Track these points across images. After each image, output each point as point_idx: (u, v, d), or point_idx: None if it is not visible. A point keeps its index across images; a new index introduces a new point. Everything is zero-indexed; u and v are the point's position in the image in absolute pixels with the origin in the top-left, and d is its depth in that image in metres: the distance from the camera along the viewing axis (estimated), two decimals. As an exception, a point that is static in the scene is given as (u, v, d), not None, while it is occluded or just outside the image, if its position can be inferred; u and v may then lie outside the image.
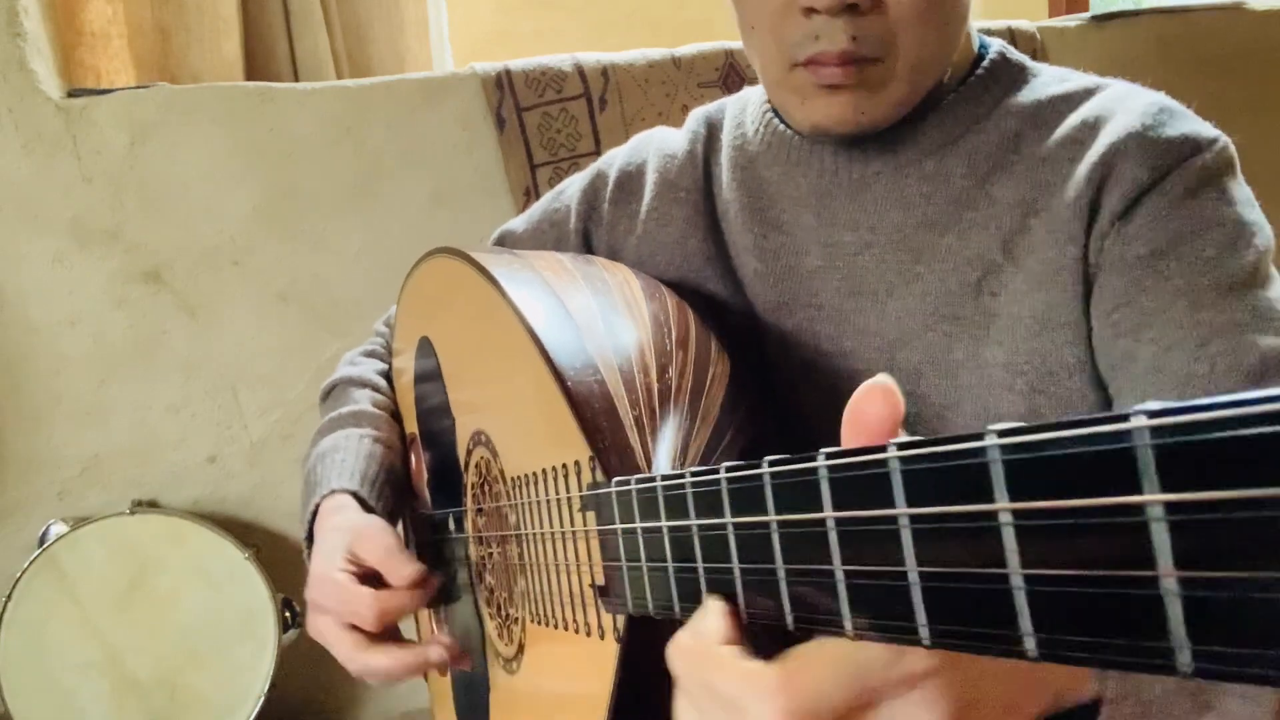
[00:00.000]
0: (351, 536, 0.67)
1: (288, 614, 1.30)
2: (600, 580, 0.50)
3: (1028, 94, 0.66)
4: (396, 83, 1.43)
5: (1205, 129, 0.61)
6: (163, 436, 1.39)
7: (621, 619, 0.49)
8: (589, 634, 0.52)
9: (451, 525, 0.77)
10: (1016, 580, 0.25)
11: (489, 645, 0.70)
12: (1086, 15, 1.69)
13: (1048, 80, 0.67)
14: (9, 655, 1.21)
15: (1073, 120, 0.64)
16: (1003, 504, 0.24)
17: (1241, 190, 0.61)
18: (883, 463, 0.28)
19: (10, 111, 1.29)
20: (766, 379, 0.71)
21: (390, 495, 0.76)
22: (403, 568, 0.64)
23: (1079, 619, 0.23)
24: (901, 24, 0.60)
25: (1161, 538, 0.21)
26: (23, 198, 1.31)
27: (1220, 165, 0.60)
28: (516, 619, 0.64)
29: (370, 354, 0.90)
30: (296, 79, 1.52)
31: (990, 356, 0.63)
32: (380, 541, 0.66)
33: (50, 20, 1.39)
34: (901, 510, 0.28)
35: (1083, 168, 0.61)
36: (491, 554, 0.69)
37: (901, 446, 0.28)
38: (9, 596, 1.21)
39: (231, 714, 1.28)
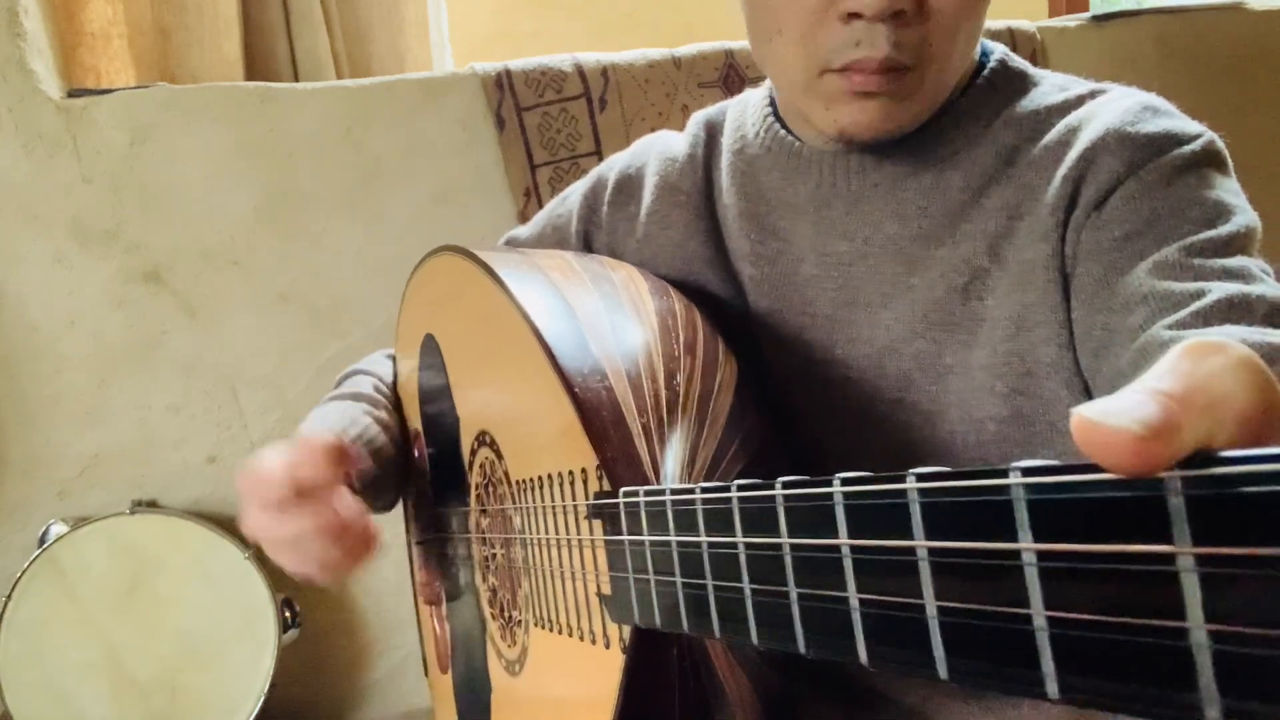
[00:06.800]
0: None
1: (288, 614, 1.30)
2: (606, 590, 0.49)
3: (1026, 105, 0.66)
4: (396, 83, 1.43)
5: (1190, 125, 0.60)
6: (163, 436, 1.39)
7: (628, 629, 0.48)
8: (594, 642, 0.52)
9: (454, 523, 0.77)
10: (1040, 621, 0.24)
11: (491, 645, 0.70)
12: (1086, 15, 1.69)
13: (1047, 90, 0.66)
14: (9, 655, 1.21)
15: (1060, 126, 0.63)
16: (1026, 544, 0.24)
17: (1226, 180, 0.59)
18: (901, 493, 0.27)
19: (10, 111, 1.29)
20: (762, 381, 0.71)
21: (365, 454, 0.74)
22: (315, 440, 0.61)
23: (1104, 665, 0.23)
24: (938, 32, 0.60)
25: (1193, 590, 0.20)
26: (23, 198, 1.31)
27: (1202, 157, 0.59)
28: (520, 621, 0.64)
29: (390, 356, 0.92)
30: (296, 79, 1.52)
31: (975, 359, 0.63)
32: (306, 440, 0.62)
33: (50, 20, 1.39)
34: (920, 543, 0.27)
35: (1063, 167, 0.61)
36: (495, 555, 0.69)
37: (921, 478, 0.27)
38: (9, 596, 1.21)
39: (231, 714, 1.28)
